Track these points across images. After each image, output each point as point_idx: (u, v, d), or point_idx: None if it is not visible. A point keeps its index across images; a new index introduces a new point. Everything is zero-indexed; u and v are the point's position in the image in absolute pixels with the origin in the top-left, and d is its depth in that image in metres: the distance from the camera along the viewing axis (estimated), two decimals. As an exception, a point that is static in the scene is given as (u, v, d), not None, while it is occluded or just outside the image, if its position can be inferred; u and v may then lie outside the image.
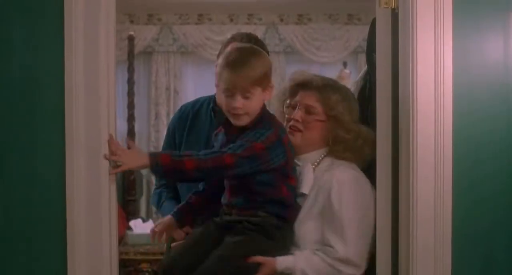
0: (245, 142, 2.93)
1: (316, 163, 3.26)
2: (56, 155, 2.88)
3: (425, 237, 2.93)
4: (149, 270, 6.36)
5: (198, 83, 8.98)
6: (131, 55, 7.61)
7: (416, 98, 2.92)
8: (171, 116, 7.94)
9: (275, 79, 8.88)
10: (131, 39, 7.70)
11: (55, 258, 2.92)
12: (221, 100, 3.04)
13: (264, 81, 2.95)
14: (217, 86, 3.23)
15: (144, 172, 7.98)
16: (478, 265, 3.01)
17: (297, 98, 3.30)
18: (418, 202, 2.93)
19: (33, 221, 2.92)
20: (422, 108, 2.92)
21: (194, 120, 3.76)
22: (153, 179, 8.02)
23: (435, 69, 2.93)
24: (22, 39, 2.88)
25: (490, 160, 2.99)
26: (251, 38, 3.68)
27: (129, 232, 6.87)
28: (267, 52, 3.46)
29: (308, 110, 3.24)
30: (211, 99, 3.75)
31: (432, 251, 2.94)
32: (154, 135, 8.54)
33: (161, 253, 5.92)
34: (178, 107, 4.50)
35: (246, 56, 2.97)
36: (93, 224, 2.89)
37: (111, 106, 2.91)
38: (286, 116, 3.31)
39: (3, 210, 2.92)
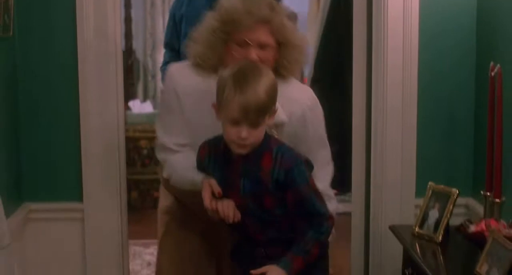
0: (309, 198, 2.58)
1: None
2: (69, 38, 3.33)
3: (395, 99, 3.39)
4: (147, 147, 6.70)
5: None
6: None
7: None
8: (166, 4, 8.28)
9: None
10: None
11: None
12: (224, 126, 2.58)
13: (272, 107, 2.57)
14: (215, 106, 2.61)
15: (141, 58, 8.26)
16: (441, 124, 3.46)
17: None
18: (389, 68, 3.38)
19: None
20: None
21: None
22: (149, 64, 8.34)
23: None
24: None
25: (452, 33, 3.38)
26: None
27: (128, 112, 7.21)
28: None
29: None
30: None
31: (400, 111, 3.37)
32: (150, 22, 8.72)
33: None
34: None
35: (257, 80, 2.50)
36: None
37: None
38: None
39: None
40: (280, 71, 2.80)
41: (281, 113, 2.70)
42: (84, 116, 3.38)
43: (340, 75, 4.78)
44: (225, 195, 2.60)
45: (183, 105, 2.81)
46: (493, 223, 2.75)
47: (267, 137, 2.61)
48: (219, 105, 2.55)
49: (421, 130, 3.42)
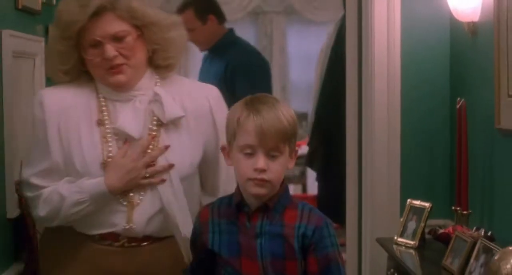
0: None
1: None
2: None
3: (381, 133, 3.96)
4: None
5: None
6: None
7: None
8: None
9: (276, 39, 9.87)
10: None
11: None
12: (237, 164, 2.23)
13: (294, 140, 2.23)
14: (224, 149, 2.31)
15: None
16: (422, 152, 4.02)
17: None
18: (375, 110, 3.94)
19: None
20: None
21: None
22: None
23: None
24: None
25: (428, 73, 3.97)
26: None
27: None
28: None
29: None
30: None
31: (386, 144, 3.96)
32: None
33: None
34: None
35: (273, 103, 2.22)
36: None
37: None
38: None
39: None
40: (158, 62, 2.53)
41: (174, 108, 2.46)
42: None
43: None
44: (236, 262, 2.23)
45: (59, 128, 2.49)
46: (459, 228, 3.28)
47: (288, 190, 2.27)
48: (230, 140, 2.23)
49: (404, 158, 3.97)
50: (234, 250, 2.25)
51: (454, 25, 3.81)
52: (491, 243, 2.77)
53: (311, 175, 6.49)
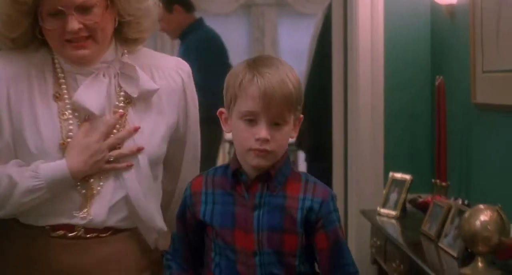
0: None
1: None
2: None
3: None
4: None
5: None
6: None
7: None
8: (175, 50, 8.94)
9: (268, 32, 10.01)
10: None
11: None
12: (237, 131, 2.03)
13: (299, 107, 2.04)
14: (221, 114, 2.10)
15: None
16: (404, 125, 4.20)
17: None
18: (360, 98, 4.14)
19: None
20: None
21: None
22: None
23: None
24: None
25: (411, 52, 4.16)
26: None
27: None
28: None
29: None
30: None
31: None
32: None
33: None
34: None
35: (277, 65, 2.02)
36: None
37: None
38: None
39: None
40: (129, 35, 2.16)
41: (145, 80, 2.11)
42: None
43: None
44: (228, 234, 2.03)
45: (8, 101, 2.06)
46: (437, 197, 3.47)
47: (289, 159, 2.09)
48: (230, 104, 2.03)
49: (387, 134, 4.17)
50: (227, 221, 2.03)
51: (434, 8, 4.01)
52: (464, 206, 2.97)
53: (301, 157, 6.65)
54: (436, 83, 3.67)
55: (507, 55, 3.04)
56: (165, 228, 2.18)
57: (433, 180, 3.68)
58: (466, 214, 2.64)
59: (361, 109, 4.12)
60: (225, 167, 2.10)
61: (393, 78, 4.13)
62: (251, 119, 1.97)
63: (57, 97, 2.09)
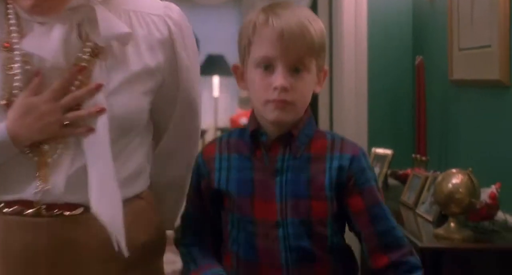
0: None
1: None
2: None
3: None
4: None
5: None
6: None
7: None
8: None
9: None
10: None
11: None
12: (253, 83, 1.78)
13: (322, 54, 1.81)
14: (236, 69, 1.86)
15: None
16: (387, 100, 4.39)
17: None
18: (344, 69, 4.33)
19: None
20: None
21: None
22: None
23: None
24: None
25: (393, 35, 4.37)
26: None
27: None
28: None
29: None
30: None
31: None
32: None
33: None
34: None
35: (295, 7, 1.78)
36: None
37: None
38: None
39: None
40: None
41: (115, 24, 1.72)
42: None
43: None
44: (247, 204, 1.78)
45: None
46: (416, 170, 3.66)
47: (313, 117, 1.85)
48: (244, 55, 1.79)
49: (371, 112, 4.35)
50: (245, 189, 1.78)
51: (416, -7, 4.21)
52: (440, 174, 3.15)
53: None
54: (416, 62, 3.85)
55: (480, 33, 3.23)
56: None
57: (413, 155, 3.87)
58: (439, 178, 2.82)
59: (346, 88, 4.31)
60: (241, 129, 1.87)
61: (376, 59, 4.32)
62: (267, 66, 1.73)
63: (6, 47, 1.72)
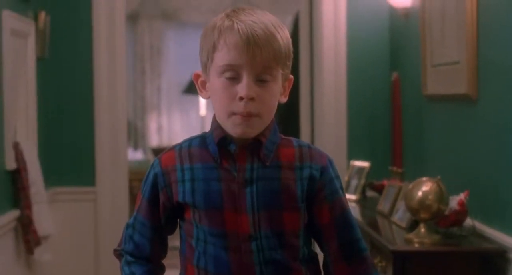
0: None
1: None
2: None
3: (330, 96, 4.50)
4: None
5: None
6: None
7: None
8: (155, 72, 9.25)
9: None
10: None
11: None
12: (216, 92, 1.69)
13: (288, 63, 1.72)
14: (197, 78, 1.77)
15: (131, 118, 9.18)
16: (366, 116, 4.56)
17: None
18: (325, 87, 4.49)
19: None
20: None
21: None
22: (139, 124, 9.27)
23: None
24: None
25: (370, 53, 4.53)
26: None
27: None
28: None
29: None
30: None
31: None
32: (140, 87, 9.55)
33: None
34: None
35: (258, 12, 1.69)
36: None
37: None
38: None
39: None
40: None
41: None
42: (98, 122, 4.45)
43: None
44: (216, 216, 1.68)
45: None
46: (392, 181, 3.82)
47: (276, 125, 1.76)
48: (206, 62, 1.69)
49: (350, 128, 4.52)
50: (213, 201, 1.68)
51: (392, 11, 4.39)
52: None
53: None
54: (393, 78, 4.03)
55: (450, 50, 3.39)
56: None
57: (390, 167, 4.03)
58: (410, 186, 2.98)
59: (326, 104, 4.49)
60: (201, 137, 1.76)
61: (355, 75, 4.50)
62: (232, 76, 1.64)
63: None
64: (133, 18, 9.09)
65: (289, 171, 1.70)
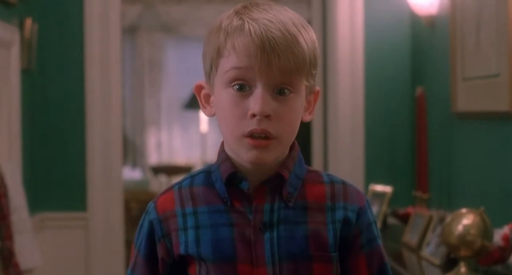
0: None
1: None
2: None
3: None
4: (137, 208, 7.35)
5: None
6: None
7: None
8: (155, 87, 8.93)
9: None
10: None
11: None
12: (222, 107, 1.37)
13: (314, 72, 1.38)
14: (199, 90, 1.44)
15: (130, 133, 8.90)
16: (385, 135, 4.16)
17: None
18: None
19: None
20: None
21: None
22: (137, 140, 8.98)
23: None
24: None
25: (392, 65, 4.13)
26: None
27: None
28: None
29: None
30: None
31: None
32: (139, 102, 9.28)
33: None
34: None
35: (277, 8, 1.36)
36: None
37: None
38: None
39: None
40: None
41: None
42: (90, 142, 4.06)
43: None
44: (228, 270, 1.35)
45: None
46: (418, 209, 3.43)
47: (301, 154, 1.43)
48: (210, 71, 1.38)
49: (368, 147, 4.12)
50: (224, 252, 1.36)
51: (414, 19, 3.99)
52: (446, 213, 2.92)
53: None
54: (417, 94, 3.64)
55: (487, 61, 3.02)
56: None
57: (413, 192, 3.63)
58: (448, 218, 2.60)
59: (341, 121, 4.09)
60: (206, 172, 1.43)
61: (373, 90, 4.10)
62: (242, 86, 1.32)
63: None
64: (131, 30, 8.84)
65: (318, 212, 1.38)
